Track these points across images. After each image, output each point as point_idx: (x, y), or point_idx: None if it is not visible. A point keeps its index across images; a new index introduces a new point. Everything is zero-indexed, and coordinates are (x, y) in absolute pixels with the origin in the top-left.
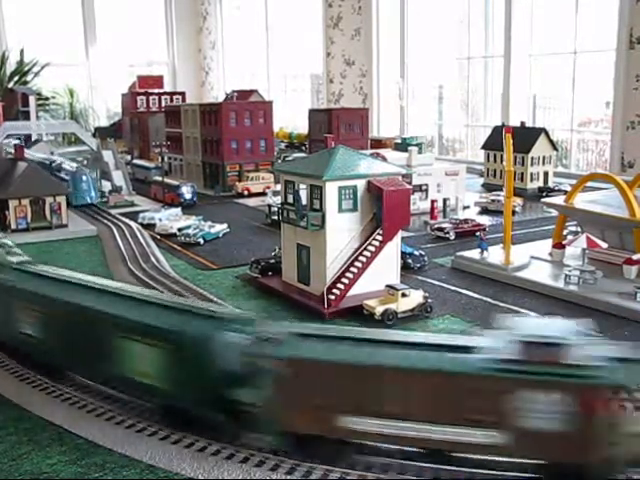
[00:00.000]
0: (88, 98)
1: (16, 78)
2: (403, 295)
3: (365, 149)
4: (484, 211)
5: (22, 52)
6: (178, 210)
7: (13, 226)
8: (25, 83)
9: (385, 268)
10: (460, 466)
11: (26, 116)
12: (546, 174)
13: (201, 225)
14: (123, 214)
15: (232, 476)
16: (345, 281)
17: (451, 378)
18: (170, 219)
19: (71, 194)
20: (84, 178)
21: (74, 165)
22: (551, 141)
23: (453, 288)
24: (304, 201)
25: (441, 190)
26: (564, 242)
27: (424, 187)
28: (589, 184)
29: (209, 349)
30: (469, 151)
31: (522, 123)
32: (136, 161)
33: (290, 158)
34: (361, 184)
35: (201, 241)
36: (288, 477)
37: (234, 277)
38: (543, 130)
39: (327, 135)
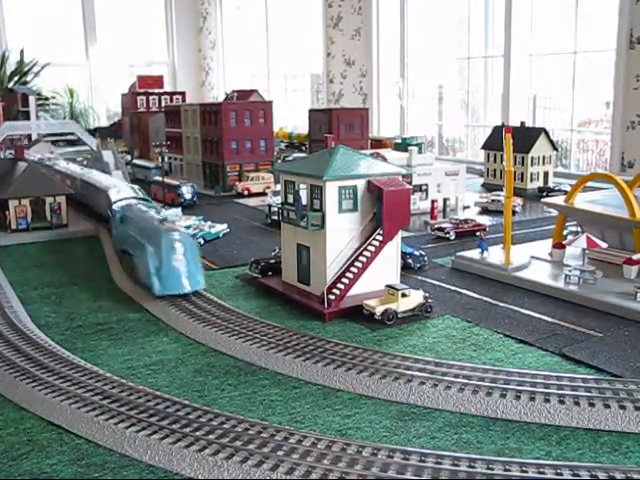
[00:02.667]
0: (88, 98)
1: (16, 78)
2: (403, 295)
3: (365, 149)
4: (484, 211)
5: (22, 52)
6: (178, 210)
7: (13, 226)
8: (25, 83)
9: (385, 268)
10: None
11: (26, 116)
12: (546, 174)
13: (201, 225)
14: None
15: (232, 476)
16: (345, 281)
17: None
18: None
19: (150, 273)
20: (177, 245)
21: (158, 215)
22: (551, 141)
23: (453, 288)
24: (304, 201)
25: (441, 190)
26: (564, 242)
27: (424, 187)
28: (589, 184)
29: None
30: (469, 151)
31: (522, 123)
32: (136, 161)
33: (290, 158)
34: (361, 184)
35: (201, 241)
36: (288, 477)
37: (234, 277)
38: (543, 130)
39: (327, 135)
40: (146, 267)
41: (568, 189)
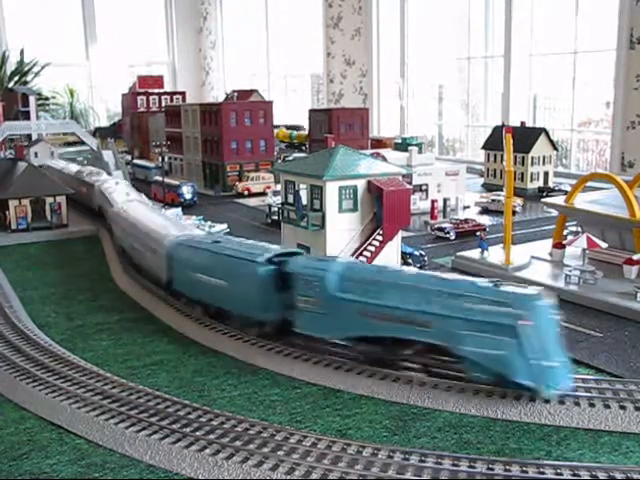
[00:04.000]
0: (88, 98)
1: (16, 78)
2: None
3: (365, 149)
4: (484, 211)
5: (22, 52)
6: (178, 210)
7: (13, 226)
8: (25, 83)
9: None
10: None
11: (26, 116)
12: (546, 174)
13: (201, 225)
14: None
15: (232, 476)
16: None
17: None
18: None
19: (526, 364)
20: (554, 318)
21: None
22: (551, 141)
23: None
24: (304, 201)
25: (441, 190)
26: (564, 242)
27: (424, 187)
28: (589, 184)
29: None
30: (469, 151)
31: (522, 123)
32: (136, 161)
33: (290, 158)
34: (361, 184)
35: None
36: (288, 477)
37: None
38: (543, 130)
39: (327, 135)
40: (519, 356)
41: (568, 189)
